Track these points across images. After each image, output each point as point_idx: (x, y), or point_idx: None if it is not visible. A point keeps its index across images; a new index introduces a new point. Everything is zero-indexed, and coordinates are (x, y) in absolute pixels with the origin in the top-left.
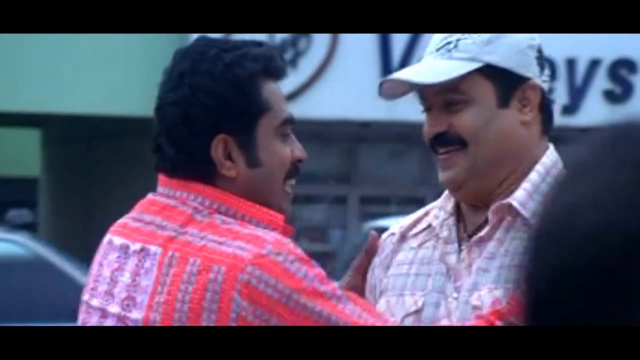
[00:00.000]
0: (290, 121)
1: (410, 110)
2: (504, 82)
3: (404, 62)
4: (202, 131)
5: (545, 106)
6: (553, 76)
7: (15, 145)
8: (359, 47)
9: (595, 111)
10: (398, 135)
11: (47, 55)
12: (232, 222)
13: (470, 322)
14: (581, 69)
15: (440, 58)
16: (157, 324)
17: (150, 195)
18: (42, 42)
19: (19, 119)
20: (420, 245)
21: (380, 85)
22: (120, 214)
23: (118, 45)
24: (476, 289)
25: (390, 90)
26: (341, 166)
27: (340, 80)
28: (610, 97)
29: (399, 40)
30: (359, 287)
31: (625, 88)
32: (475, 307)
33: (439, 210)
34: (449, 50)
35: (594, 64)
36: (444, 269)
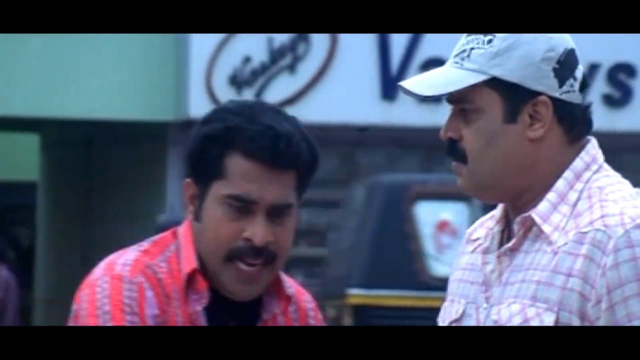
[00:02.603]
0: (246, 201)
1: (407, 114)
2: (511, 95)
3: (403, 67)
4: (186, 170)
5: (563, 118)
6: (584, 85)
7: (13, 149)
8: (358, 51)
9: (594, 116)
10: (396, 139)
11: (46, 60)
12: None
13: None
14: None
15: (454, 66)
16: None
17: None
18: (40, 46)
19: (17, 124)
20: (473, 251)
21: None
22: (119, 218)
23: (117, 49)
24: (499, 302)
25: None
26: (340, 170)
27: (338, 85)
28: (609, 101)
29: (398, 44)
30: None
31: (624, 92)
32: (494, 321)
33: (493, 217)
34: (462, 59)
35: (593, 68)
36: (482, 278)
